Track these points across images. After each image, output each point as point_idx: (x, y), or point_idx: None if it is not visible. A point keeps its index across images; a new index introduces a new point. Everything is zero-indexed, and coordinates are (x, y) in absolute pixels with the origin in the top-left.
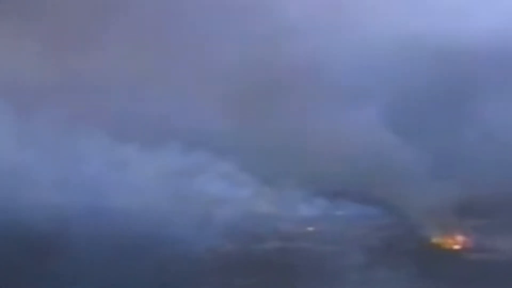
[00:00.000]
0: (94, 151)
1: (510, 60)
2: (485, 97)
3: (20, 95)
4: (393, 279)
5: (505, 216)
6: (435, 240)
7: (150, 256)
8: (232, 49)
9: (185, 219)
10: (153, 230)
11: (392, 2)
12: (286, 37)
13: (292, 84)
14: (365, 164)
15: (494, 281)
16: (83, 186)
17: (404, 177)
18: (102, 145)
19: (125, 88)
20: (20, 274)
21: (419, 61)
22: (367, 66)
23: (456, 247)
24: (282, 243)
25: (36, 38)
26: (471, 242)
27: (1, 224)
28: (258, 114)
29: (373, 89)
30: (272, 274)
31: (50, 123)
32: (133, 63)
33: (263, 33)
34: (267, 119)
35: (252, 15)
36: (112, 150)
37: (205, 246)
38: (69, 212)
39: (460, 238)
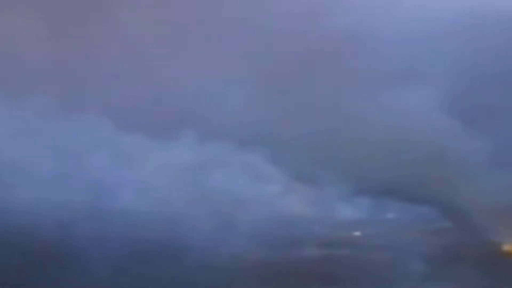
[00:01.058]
0: (96, 142)
1: None
2: None
3: (13, 80)
4: None
5: None
6: (506, 247)
7: (164, 265)
8: (263, 23)
9: (204, 221)
10: (166, 234)
11: None
12: (325, 10)
13: (332, 64)
14: (418, 156)
15: None
16: (83, 182)
17: (465, 171)
18: (106, 135)
19: (132, 68)
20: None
21: (482, 35)
22: (421, 41)
23: None
24: (321, 250)
25: (33, 18)
26: None
27: None
28: (290, 98)
29: (427, 67)
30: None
31: (43, 111)
32: (143, 37)
33: (298, 5)
34: (301, 103)
35: None
36: (118, 141)
37: (229, 253)
38: (68, 213)
39: None
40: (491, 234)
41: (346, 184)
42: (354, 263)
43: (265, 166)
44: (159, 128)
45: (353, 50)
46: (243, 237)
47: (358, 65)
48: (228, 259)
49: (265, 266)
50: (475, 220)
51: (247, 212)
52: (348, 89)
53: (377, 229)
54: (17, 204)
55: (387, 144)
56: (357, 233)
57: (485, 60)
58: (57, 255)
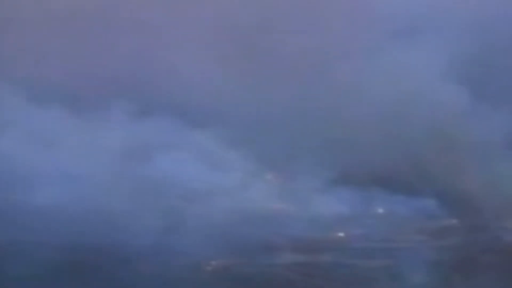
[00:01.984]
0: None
1: None
2: None
3: None
4: None
5: None
6: None
7: (94, 283)
8: None
9: (147, 221)
10: (98, 239)
11: None
12: None
13: (303, 20)
14: (417, 135)
15: None
16: None
17: (475, 154)
18: (13, 109)
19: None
20: None
21: None
22: None
23: None
24: (295, 256)
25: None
26: None
27: None
28: (256, 61)
29: (431, 23)
30: None
31: None
32: None
33: None
34: (270, 67)
35: None
36: (31, 117)
37: (181, 263)
38: None
39: None
40: (507, 232)
41: (325, 172)
42: (337, 273)
43: (223, 150)
44: (83, 101)
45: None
46: (198, 242)
47: (347, 22)
48: (180, 270)
49: (232, 276)
50: (487, 215)
51: (203, 209)
52: (336, 50)
53: (366, 228)
54: None
55: (379, 119)
56: (340, 234)
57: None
58: None
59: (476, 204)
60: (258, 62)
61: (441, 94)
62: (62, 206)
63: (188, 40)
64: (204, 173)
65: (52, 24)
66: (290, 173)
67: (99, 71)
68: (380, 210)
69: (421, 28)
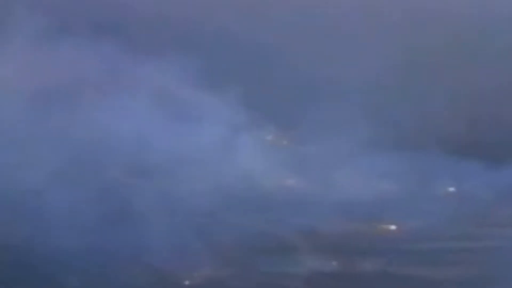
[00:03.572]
0: None
1: None
2: None
3: None
4: None
5: None
6: None
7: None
8: None
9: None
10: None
11: None
12: None
13: None
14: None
15: None
16: None
17: None
18: None
19: None
20: None
21: None
22: None
23: None
24: (325, 261)
25: None
26: None
27: None
28: None
29: None
30: None
31: None
32: None
33: None
34: None
35: None
36: None
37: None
38: None
39: None
40: None
41: (364, 128)
42: None
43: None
44: None
45: None
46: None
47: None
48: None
49: None
50: None
51: (177, 183)
52: None
53: (428, 218)
54: None
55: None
56: (392, 227)
57: None
58: None
59: None
60: None
61: None
62: None
63: None
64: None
65: None
66: (307, 132)
67: None
68: (451, 189)
69: None
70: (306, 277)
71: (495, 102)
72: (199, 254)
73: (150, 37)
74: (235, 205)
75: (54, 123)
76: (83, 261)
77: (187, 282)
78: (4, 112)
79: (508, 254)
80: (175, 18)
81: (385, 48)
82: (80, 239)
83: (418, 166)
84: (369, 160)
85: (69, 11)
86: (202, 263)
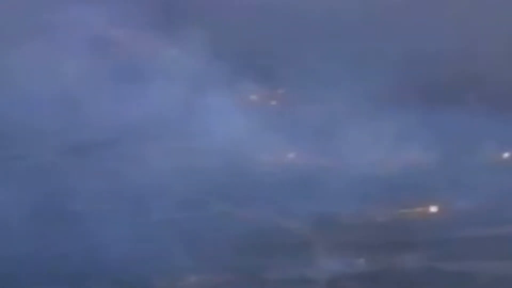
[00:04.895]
0: None
1: None
2: None
3: None
4: None
5: None
6: None
7: None
8: None
9: None
10: None
11: None
12: None
13: None
14: None
15: None
16: None
17: None
18: None
19: None
20: None
21: None
22: None
23: None
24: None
25: None
26: None
27: None
28: None
29: None
30: None
31: None
32: None
33: None
34: None
35: None
36: None
37: None
38: None
39: None
40: None
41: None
42: None
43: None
44: None
45: None
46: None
47: None
48: None
49: None
50: None
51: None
52: None
53: (479, 193)
54: None
55: None
56: (432, 209)
57: None
58: None
59: None
60: None
61: None
62: None
63: None
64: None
65: None
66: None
67: None
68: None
69: None
70: (327, 283)
71: None
72: (182, 257)
73: None
74: (223, 190)
75: None
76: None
77: None
78: None
79: None
80: None
81: None
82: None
83: (456, 126)
84: (390, 120)
85: None
86: (187, 268)
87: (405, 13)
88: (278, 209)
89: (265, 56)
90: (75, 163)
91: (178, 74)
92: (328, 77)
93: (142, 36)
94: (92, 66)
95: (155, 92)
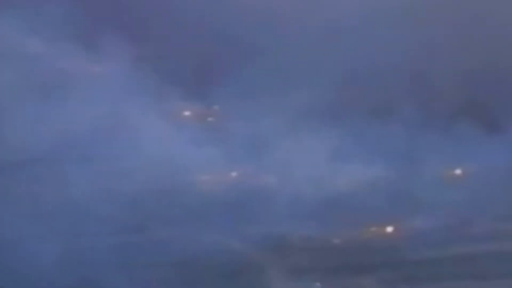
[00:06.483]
0: None
1: None
2: None
3: None
4: None
5: None
6: None
7: None
8: None
9: None
10: None
11: None
12: None
13: None
14: None
15: None
16: None
17: None
18: None
19: None
20: None
21: None
22: None
23: None
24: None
25: None
26: None
27: None
28: None
29: None
30: None
31: None
32: None
33: None
34: None
35: None
36: None
37: None
38: None
39: None
40: None
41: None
42: None
43: None
44: None
45: None
46: None
47: None
48: None
49: None
50: None
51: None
52: None
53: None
54: None
55: None
56: (388, 229)
57: None
58: None
59: None
60: None
61: None
62: None
63: None
64: None
65: None
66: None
67: None
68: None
69: None
70: None
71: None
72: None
73: None
74: (161, 213)
75: None
76: None
77: None
78: None
79: None
80: None
81: None
82: None
83: (404, 142)
84: (334, 137)
85: None
86: None
87: (346, 28)
88: (224, 231)
89: (200, 72)
90: None
91: (106, 90)
92: (270, 93)
93: (65, 50)
94: (7, 81)
95: (84, 110)
